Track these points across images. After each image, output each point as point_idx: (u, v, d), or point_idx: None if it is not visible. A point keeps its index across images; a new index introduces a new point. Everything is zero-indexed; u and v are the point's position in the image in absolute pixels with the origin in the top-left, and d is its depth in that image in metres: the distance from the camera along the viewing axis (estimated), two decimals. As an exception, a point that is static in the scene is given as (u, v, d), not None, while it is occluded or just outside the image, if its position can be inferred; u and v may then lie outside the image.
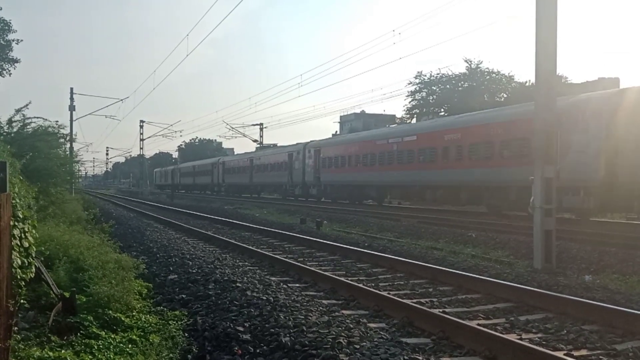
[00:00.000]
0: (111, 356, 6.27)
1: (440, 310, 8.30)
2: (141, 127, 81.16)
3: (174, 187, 78.13)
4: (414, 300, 8.94)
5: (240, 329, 7.15)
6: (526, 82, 57.70)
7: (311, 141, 49.84)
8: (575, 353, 6.30)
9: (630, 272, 12.45)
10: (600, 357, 6.30)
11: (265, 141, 73.66)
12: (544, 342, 6.81)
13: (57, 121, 20.27)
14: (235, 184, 67.35)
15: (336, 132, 48.21)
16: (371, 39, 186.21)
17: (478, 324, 7.32)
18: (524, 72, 74.12)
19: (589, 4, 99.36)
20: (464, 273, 10.92)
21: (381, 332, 7.07)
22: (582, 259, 13.97)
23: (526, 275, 11.56)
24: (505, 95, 60.30)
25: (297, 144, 51.54)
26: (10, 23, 48.25)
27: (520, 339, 6.79)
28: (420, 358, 5.87)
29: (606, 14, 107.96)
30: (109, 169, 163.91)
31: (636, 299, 9.16)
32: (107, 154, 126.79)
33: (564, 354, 6.07)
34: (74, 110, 50.14)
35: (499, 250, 16.02)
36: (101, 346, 6.52)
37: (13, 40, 50.22)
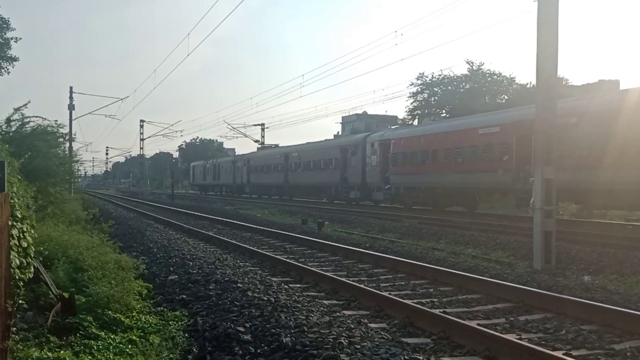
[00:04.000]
0: (111, 357, 6.25)
1: (441, 310, 8.29)
2: (141, 126, 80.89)
3: (237, 189, 65.19)
4: (415, 301, 8.93)
5: (241, 329, 7.14)
6: (527, 83, 57.75)
7: (374, 132, 42.63)
8: (574, 353, 6.29)
9: (629, 272, 12.48)
10: (599, 356, 6.30)
11: (267, 142, 73.57)
12: (543, 342, 6.80)
13: (56, 120, 20.24)
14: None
15: (338, 132, 47.96)
16: (373, 40, 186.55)
17: (478, 324, 7.31)
18: (525, 73, 73.90)
19: (590, 6, 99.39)
20: (464, 273, 10.92)
21: (382, 332, 7.06)
22: (581, 259, 14.00)
23: (526, 275, 11.56)
24: (506, 97, 60.37)
25: (354, 135, 44.65)
26: (8, 21, 48.00)
27: (520, 338, 6.79)
28: (421, 358, 5.86)
29: (607, 16, 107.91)
30: (108, 169, 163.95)
31: (634, 299, 9.16)
32: (106, 154, 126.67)
33: (563, 354, 6.07)
34: (74, 109, 50.25)
35: (499, 251, 16.02)
36: (101, 347, 6.51)
37: (12, 39, 50.02)
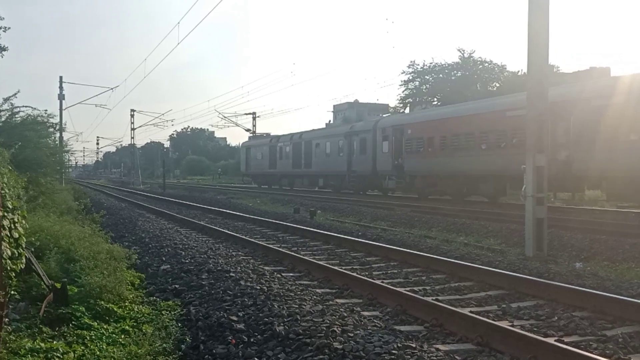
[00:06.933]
0: (104, 347, 6.25)
1: (433, 298, 8.32)
2: (132, 116, 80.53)
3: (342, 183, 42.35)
4: (408, 289, 8.97)
5: (234, 318, 7.14)
6: (518, 71, 57.89)
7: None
8: (566, 339, 6.33)
9: (620, 259, 12.56)
10: (591, 342, 6.33)
11: (258, 130, 73.38)
12: (535, 329, 6.84)
13: (46, 110, 20.15)
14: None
15: (330, 121, 47.62)
16: (364, 27, 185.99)
17: (470, 312, 7.34)
18: (516, 61, 74.13)
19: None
20: (456, 261, 10.96)
21: (375, 320, 7.09)
22: (572, 246, 14.08)
23: (518, 262, 11.60)
24: (497, 85, 60.52)
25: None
26: (-4, 10, 47.72)
27: (512, 325, 6.83)
28: (414, 345, 5.87)
29: (598, 7, 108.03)
30: (99, 159, 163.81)
31: (626, 285, 9.20)
32: (97, 144, 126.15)
33: (555, 340, 6.12)
34: (64, 99, 49.88)
35: (491, 239, 16.08)
36: (93, 337, 6.52)
37: (0, 28, 49.77)
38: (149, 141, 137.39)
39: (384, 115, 42.64)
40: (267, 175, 56.04)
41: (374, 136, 36.77)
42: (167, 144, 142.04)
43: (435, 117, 31.71)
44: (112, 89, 54.48)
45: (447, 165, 29.05)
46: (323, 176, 45.13)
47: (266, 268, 10.77)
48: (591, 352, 5.74)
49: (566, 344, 5.91)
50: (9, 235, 6.08)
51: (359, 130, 39.08)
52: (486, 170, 26.32)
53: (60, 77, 49.98)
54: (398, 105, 66.23)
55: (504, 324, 6.83)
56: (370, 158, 37.13)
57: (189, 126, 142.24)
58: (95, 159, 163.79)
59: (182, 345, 6.59)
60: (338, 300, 8.28)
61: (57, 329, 6.73)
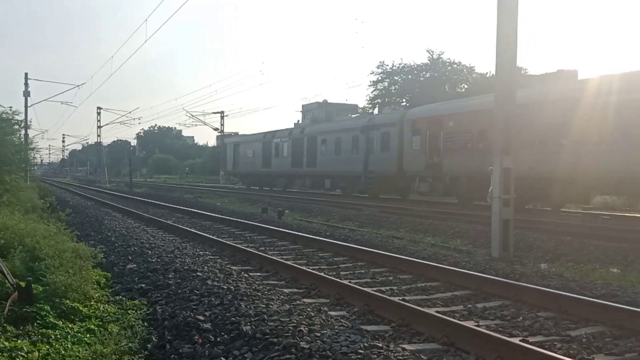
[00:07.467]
0: (69, 346, 6.19)
1: (400, 298, 8.36)
2: (98, 114, 79.51)
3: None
4: (375, 289, 9.00)
5: (201, 318, 7.11)
6: (487, 73, 58.38)
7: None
8: (531, 339, 6.40)
9: (585, 260, 12.74)
10: (555, 343, 6.41)
11: (226, 130, 73.11)
12: (500, 329, 6.92)
13: (11, 107, 19.92)
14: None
15: (298, 121, 47.47)
16: (334, 27, 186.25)
17: (437, 312, 7.39)
18: (485, 63, 74.79)
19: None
20: (423, 262, 11.03)
21: (342, 320, 7.11)
22: (538, 247, 14.23)
23: (484, 263, 11.71)
24: (466, 86, 60.98)
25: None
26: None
27: (478, 325, 6.88)
28: (380, 345, 5.89)
29: (566, 8, 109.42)
30: (65, 157, 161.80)
31: (590, 286, 9.33)
32: (63, 142, 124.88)
33: (520, 340, 6.19)
34: (29, 96, 49.16)
35: (458, 239, 16.21)
36: (58, 336, 6.45)
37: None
38: (115, 139, 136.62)
39: (412, 108, 35.86)
40: (259, 175, 50.62)
41: (400, 130, 31.32)
42: (134, 143, 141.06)
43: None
44: (78, 86, 53.84)
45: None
46: (330, 177, 39.25)
47: (233, 268, 10.74)
48: (555, 352, 5.81)
49: (531, 344, 5.98)
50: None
51: (379, 124, 33.76)
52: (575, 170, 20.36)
53: (26, 74, 49.23)
54: (367, 105, 66.51)
55: (469, 323, 6.89)
56: (394, 156, 31.70)
57: (156, 124, 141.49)
58: (62, 156, 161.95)
59: (148, 345, 6.55)
60: (305, 300, 8.29)
61: (21, 328, 6.64)
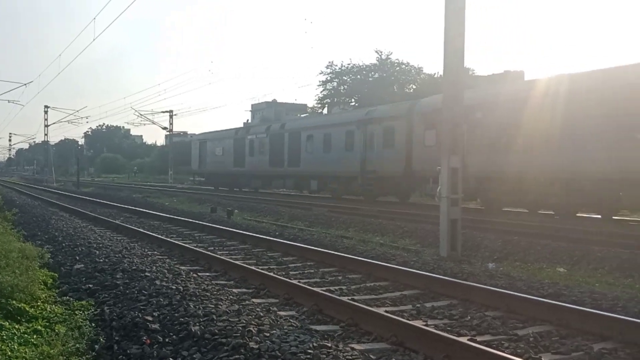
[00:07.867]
0: (15, 347, 6.07)
1: (349, 298, 8.35)
2: (46, 112, 78.25)
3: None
4: (324, 288, 8.98)
5: (149, 318, 7.00)
6: (435, 73, 59.04)
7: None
8: (479, 338, 6.45)
9: (532, 260, 12.94)
10: (503, 342, 6.46)
11: (175, 129, 72.38)
12: (448, 328, 6.95)
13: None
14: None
15: (247, 120, 47.18)
16: (283, 26, 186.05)
17: (386, 311, 7.39)
18: (433, 63, 75.59)
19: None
20: (372, 261, 11.04)
21: (291, 320, 7.07)
22: (486, 247, 14.39)
23: (432, 263, 11.78)
24: (414, 87, 61.54)
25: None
26: None
27: (426, 325, 6.91)
28: (329, 345, 5.87)
29: (514, 10, 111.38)
30: (11, 156, 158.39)
31: (537, 285, 9.45)
32: (9, 140, 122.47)
33: (468, 339, 6.23)
34: (-27, 94, 48.02)
35: (406, 239, 16.32)
36: (5, 337, 6.32)
37: None
38: (63, 138, 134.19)
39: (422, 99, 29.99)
40: (230, 175, 45.82)
41: (409, 124, 27.59)
42: (81, 142, 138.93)
43: (525, 93, 20.83)
44: (25, 84, 52.78)
45: (553, 164, 19.68)
46: (318, 177, 35.13)
47: (182, 268, 10.61)
48: (503, 351, 5.86)
49: (479, 343, 6.02)
50: None
51: (381, 117, 29.78)
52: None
53: (-31, 71, 48.08)
54: (316, 105, 66.66)
55: (418, 323, 6.92)
56: (401, 154, 28.04)
57: (104, 123, 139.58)
58: (8, 156, 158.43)
59: (96, 346, 6.42)
60: (254, 300, 8.23)
61: (-35, 329, 6.47)
